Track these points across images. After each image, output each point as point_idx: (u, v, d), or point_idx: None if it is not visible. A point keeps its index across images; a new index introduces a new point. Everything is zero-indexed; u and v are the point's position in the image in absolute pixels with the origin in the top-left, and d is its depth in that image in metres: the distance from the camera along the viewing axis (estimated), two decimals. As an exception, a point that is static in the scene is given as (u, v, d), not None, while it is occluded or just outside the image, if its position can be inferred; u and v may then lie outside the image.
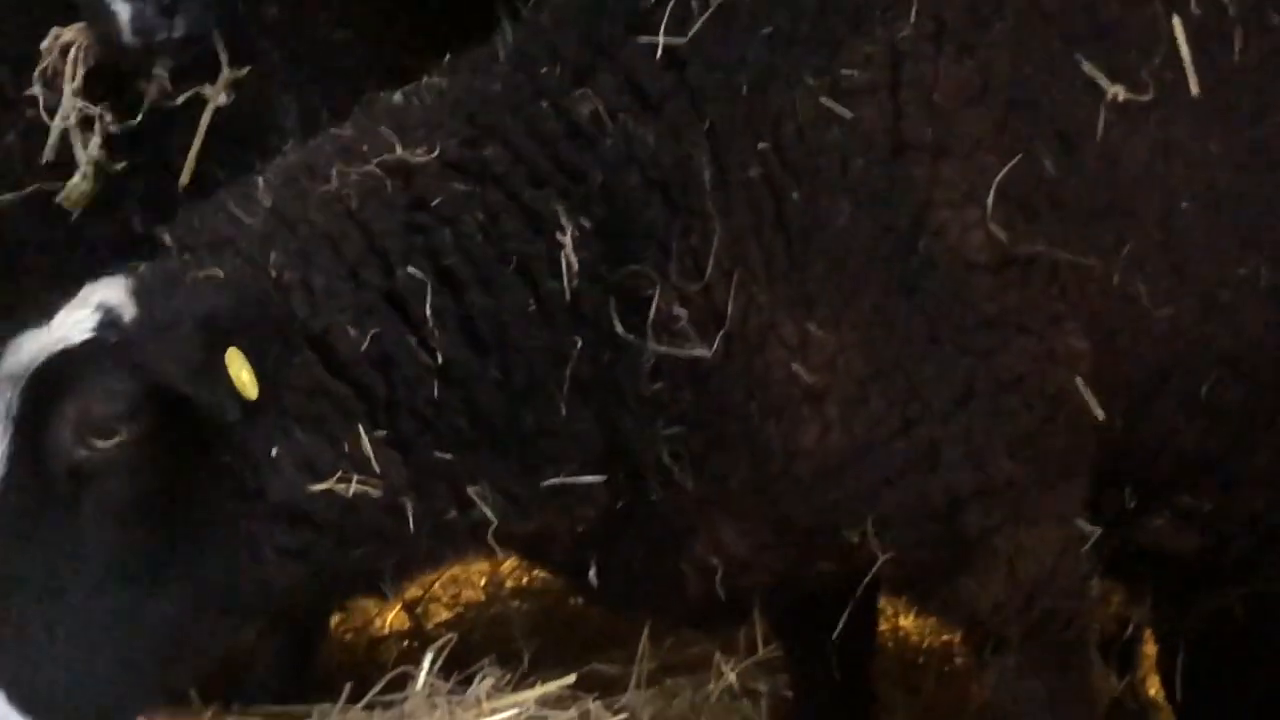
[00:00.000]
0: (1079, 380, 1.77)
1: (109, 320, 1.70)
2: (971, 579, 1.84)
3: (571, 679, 1.99)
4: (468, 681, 2.00)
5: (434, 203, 1.77)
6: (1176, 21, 1.79)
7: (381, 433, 1.73)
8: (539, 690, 1.93)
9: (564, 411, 1.76)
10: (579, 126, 1.80)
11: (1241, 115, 1.86)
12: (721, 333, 1.74)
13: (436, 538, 1.83)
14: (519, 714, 1.86)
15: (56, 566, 1.67)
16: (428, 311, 1.73)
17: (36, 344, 1.70)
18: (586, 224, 1.75)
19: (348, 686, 2.12)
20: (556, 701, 1.93)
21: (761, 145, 1.77)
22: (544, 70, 1.84)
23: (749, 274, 1.75)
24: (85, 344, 1.69)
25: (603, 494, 1.82)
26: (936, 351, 1.76)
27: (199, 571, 1.71)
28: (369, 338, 1.73)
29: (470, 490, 1.77)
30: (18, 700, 1.64)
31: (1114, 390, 1.80)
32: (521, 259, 1.76)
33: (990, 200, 1.73)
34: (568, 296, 1.74)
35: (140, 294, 1.72)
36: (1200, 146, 1.83)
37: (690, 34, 1.78)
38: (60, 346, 1.69)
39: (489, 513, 1.78)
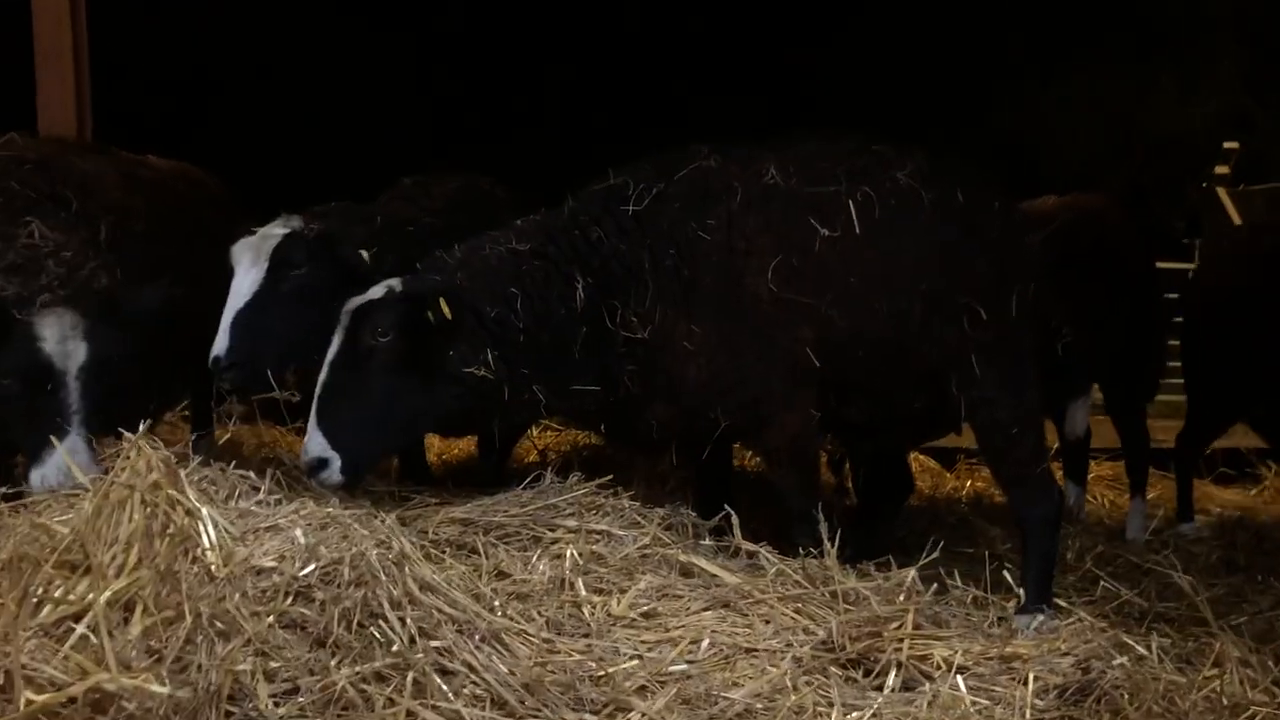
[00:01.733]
0: (808, 349, 3.63)
1: (390, 289, 3.53)
2: (765, 433, 3.77)
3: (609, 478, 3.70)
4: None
5: (524, 266, 3.66)
6: (850, 202, 3.66)
7: (496, 353, 3.55)
8: (594, 483, 3.66)
9: (578, 357, 3.63)
10: (590, 241, 3.68)
11: (879, 239, 3.68)
12: (651, 327, 3.61)
13: (519, 406, 3.69)
14: (585, 492, 3.57)
15: (361, 385, 3.46)
16: (519, 308, 3.57)
17: (360, 298, 3.53)
18: (590, 280, 3.64)
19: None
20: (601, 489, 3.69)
21: (671, 251, 3.64)
22: (579, 218, 3.76)
23: (665, 303, 3.61)
24: (378, 299, 3.52)
25: (597, 395, 3.69)
26: (746, 336, 3.63)
27: (423, 395, 3.55)
28: (494, 314, 3.57)
29: (535, 386, 3.61)
30: (332, 440, 3.40)
31: (822, 354, 3.65)
32: (561, 292, 3.63)
33: (769, 273, 3.59)
34: (579, 309, 3.62)
35: (404, 281, 3.58)
36: (861, 253, 3.66)
37: (644, 205, 3.70)
38: (368, 299, 3.51)
39: (542, 397, 3.66)
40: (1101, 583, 4.23)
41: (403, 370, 3.47)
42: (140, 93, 8.93)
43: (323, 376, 3.44)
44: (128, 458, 2.57)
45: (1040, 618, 3.60)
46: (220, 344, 3.62)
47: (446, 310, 3.42)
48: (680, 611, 3.08)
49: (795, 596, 3.21)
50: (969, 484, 6.12)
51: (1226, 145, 9.68)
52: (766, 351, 3.63)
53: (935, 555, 3.52)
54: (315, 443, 3.40)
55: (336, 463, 3.39)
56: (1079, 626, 3.26)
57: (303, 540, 2.79)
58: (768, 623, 3.09)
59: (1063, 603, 3.76)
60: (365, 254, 3.67)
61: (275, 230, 3.71)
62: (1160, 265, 6.18)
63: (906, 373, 3.81)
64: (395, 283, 3.51)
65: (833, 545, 3.44)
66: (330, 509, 3.00)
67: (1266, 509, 6.04)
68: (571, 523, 3.40)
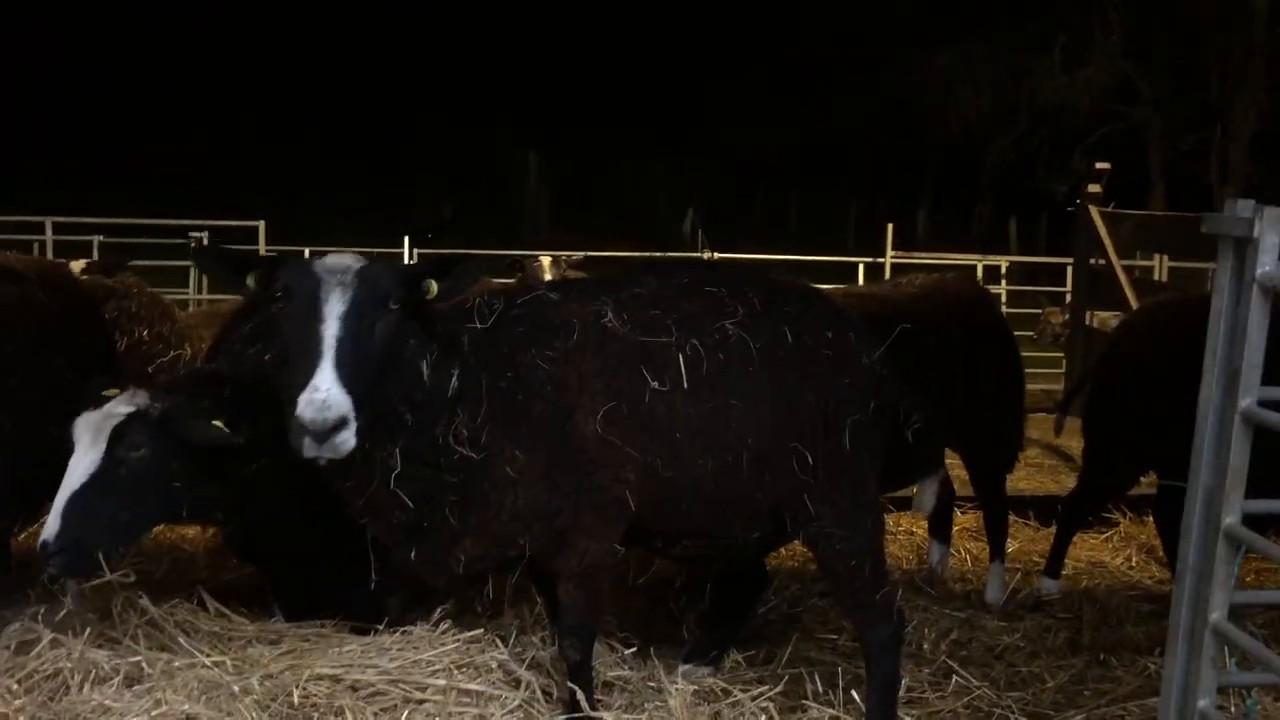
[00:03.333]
0: (627, 491, 3.57)
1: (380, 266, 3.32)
2: (562, 557, 3.62)
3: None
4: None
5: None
6: (680, 355, 3.64)
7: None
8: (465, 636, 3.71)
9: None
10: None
11: (706, 395, 3.67)
12: (478, 447, 3.42)
13: None
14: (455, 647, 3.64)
15: (363, 329, 3.15)
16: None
17: (347, 262, 3.25)
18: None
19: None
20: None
21: (509, 374, 3.50)
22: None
23: (494, 425, 3.44)
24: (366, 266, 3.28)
25: (410, 514, 3.46)
26: (569, 469, 3.51)
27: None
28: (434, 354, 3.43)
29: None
30: (353, 400, 3.06)
31: (644, 501, 3.62)
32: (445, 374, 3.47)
33: (599, 416, 3.51)
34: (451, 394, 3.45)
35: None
36: (689, 408, 3.64)
37: (489, 324, 3.57)
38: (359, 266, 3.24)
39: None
40: (955, 676, 4.48)
41: (399, 338, 3.33)
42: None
43: (332, 332, 3.13)
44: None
45: None
46: (50, 529, 3.47)
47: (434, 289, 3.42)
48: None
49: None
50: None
51: (1099, 165, 9.96)
52: (583, 485, 3.56)
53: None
54: (340, 402, 3.08)
55: (354, 424, 3.10)
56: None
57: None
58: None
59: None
60: (219, 424, 3.58)
61: (118, 409, 3.60)
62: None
63: (737, 516, 3.87)
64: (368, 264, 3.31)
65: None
66: (186, 706, 2.99)
67: (1115, 555, 6.40)
68: (441, 682, 3.45)
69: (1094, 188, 9.68)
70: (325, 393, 2.99)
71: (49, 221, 12.57)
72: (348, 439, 3.03)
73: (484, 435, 3.41)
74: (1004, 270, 13.95)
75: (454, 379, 3.40)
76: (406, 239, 14.79)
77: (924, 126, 27.87)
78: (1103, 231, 9.24)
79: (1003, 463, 5.75)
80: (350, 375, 3.05)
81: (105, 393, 3.71)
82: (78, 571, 3.62)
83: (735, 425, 3.70)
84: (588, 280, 3.96)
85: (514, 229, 28.00)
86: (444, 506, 3.42)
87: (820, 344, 3.92)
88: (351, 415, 3.02)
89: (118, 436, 3.55)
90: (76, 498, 3.50)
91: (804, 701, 4.10)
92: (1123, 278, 8.81)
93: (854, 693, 4.00)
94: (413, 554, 3.47)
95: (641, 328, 3.65)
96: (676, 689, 3.93)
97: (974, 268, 13.23)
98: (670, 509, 3.70)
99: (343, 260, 3.25)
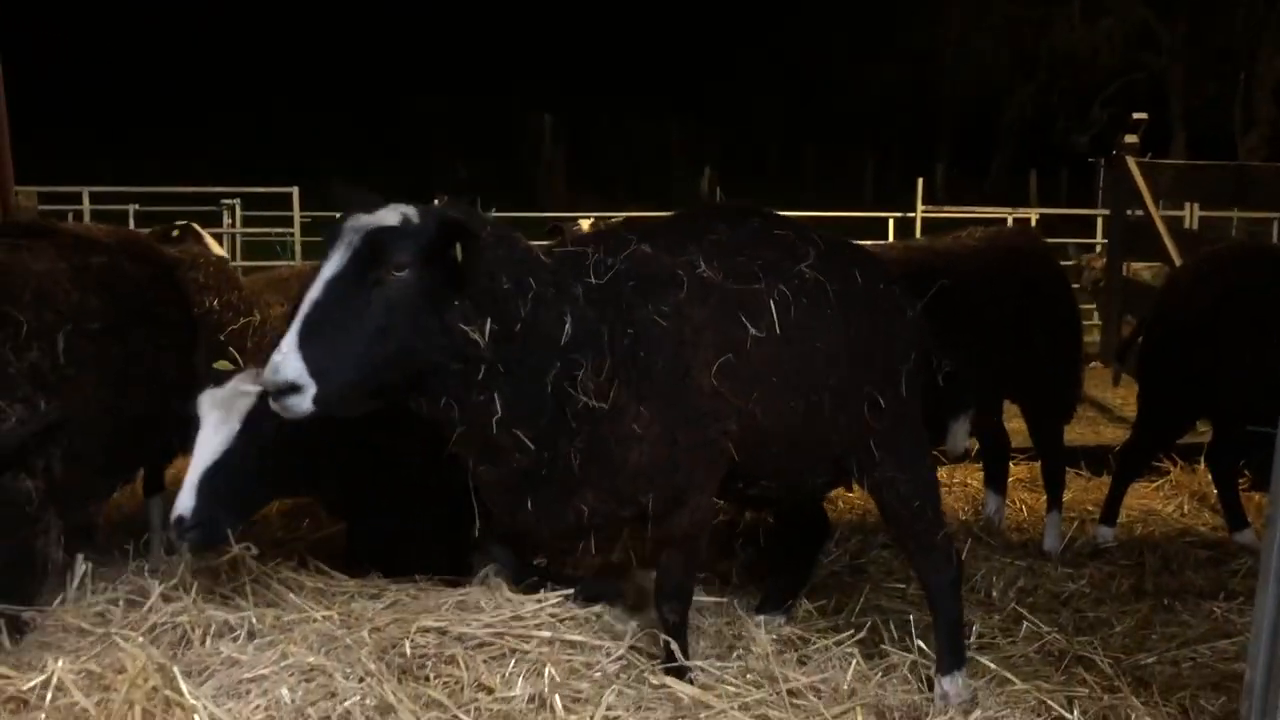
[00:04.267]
0: (730, 442, 3.60)
1: (405, 217, 3.15)
2: (675, 516, 3.62)
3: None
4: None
5: (542, 271, 3.40)
6: (770, 300, 3.66)
7: (495, 327, 3.22)
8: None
9: (548, 391, 3.35)
10: (575, 293, 3.43)
11: (795, 339, 3.68)
12: (606, 401, 3.38)
13: (478, 404, 3.28)
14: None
15: (350, 312, 3.04)
16: (529, 297, 3.28)
17: (368, 220, 3.13)
18: (573, 322, 3.39)
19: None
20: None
21: (630, 330, 3.45)
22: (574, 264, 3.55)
23: (620, 380, 3.40)
24: (395, 226, 3.13)
25: (532, 454, 3.38)
26: (689, 425, 3.51)
27: (415, 335, 3.11)
28: (506, 286, 3.25)
29: (497, 395, 3.25)
30: (309, 366, 2.96)
31: (742, 447, 3.64)
32: (559, 312, 3.38)
33: (712, 370, 3.52)
34: (562, 342, 3.36)
35: (420, 211, 3.21)
36: (783, 353, 3.66)
37: (604, 279, 3.50)
38: (381, 223, 3.12)
39: (498, 410, 3.28)
40: (1024, 622, 4.58)
41: (408, 307, 3.12)
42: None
43: (314, 296, 3.07)
44: (124, 668, 2.64)
45: (958, 678, 3.92)
46: (184, 504, 3.56)
47: (458, 252, 3.13)
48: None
49: (756, 701, 3.45)
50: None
51: (1136, 116, 9.93)
52: (699, 440, 3.56)
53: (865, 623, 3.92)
54: (291, 366, 3.01)
55: (311, 390, 3.03)
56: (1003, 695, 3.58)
57: (289, 700, 2.90)
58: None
59: (989, 662, 4.09)
60: None
61: (246, 387, 3.69)
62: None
63: (812, 460, 3.97)
64: (410, 210, 3.19)
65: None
66: (311, 658, 3.10)
67: (1167, 503, 6.48)
68: (546, 633, 3.56)
69: (1130, 138, 9.66)
70: (281, 356, 3.00)
71: (86, 192, 12.64)
72: (299, 403, 3.02)
73: (611, 390, 3.38)
74: (1034, 223, 13.92)
75: (566, 325, 3.33)
76: (435, 203, 14.83)
77: (941, 80, 27.63)
78: (1140, 182, 9.24)
79: (1061, 414, 5.83)
80: (321, 341, 3.02)
81: (219, 367, 3.83)
82: (210, 544, 3.72)
83: (820, 368, 3.76)
84: (658, 228, 3.87)
85: (531, 191, 27.94)
86: (567, 454, 3.39)
87: (876, 292, 4.02)
88: (304, 381, 3.00)
89: (254, 415, 3.63)
90: (210, 474, 3.59)
91: (882, 647, 4.21)
92: (1163, 228, 8.82)
93: (921, 643, 4.10)
94: (529, 502, 3.45)
95: (733, 275, 3.67)
96: (760, 637, 4.04)
97: (1004, 220, 13.22)
98: (760, 453, 3.75)
99: (371, 218, 3.15)
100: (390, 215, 3.16)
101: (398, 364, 3.15)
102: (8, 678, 2.90)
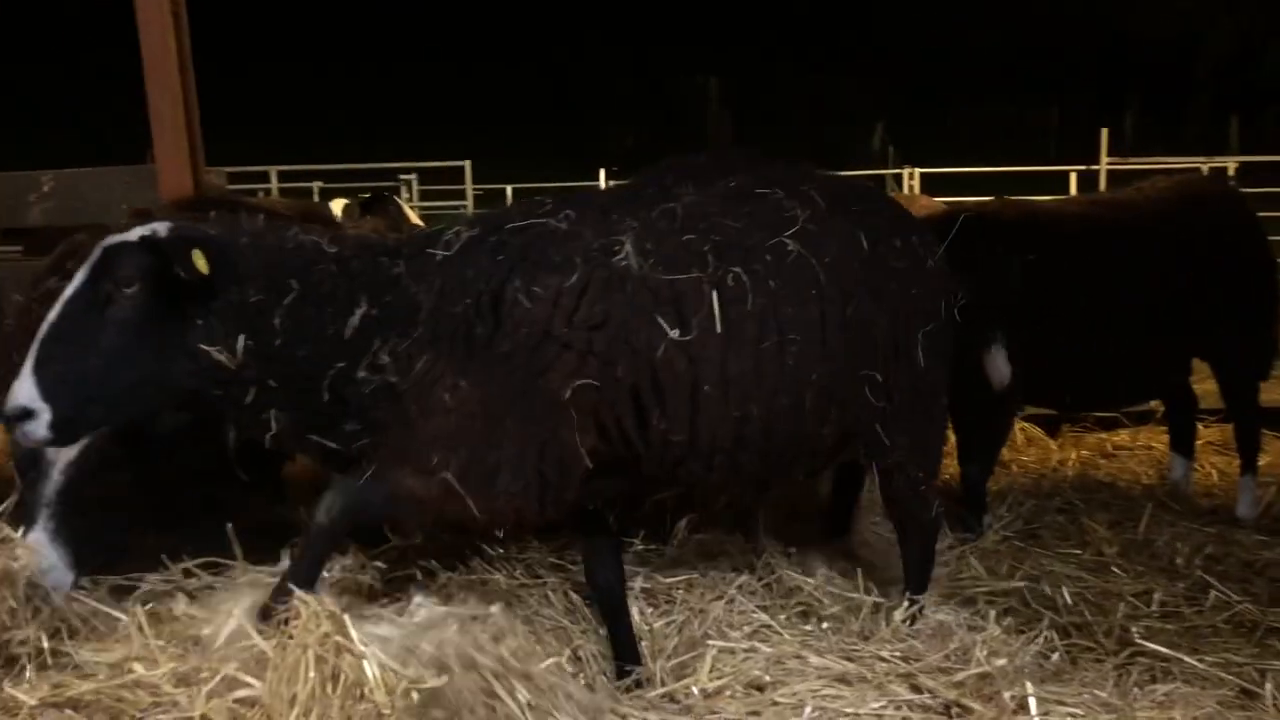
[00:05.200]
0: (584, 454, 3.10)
1: (152, 232, 2.93)
2: (485, 499, 3.04)
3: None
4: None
5: (319, 265, 3.05)
6: (714, 293, 3.12)
7: (250, 343, 2.92)
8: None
9: (325, 398, 3.00)
10: (389, 276, 3.08)
11: (751, 335, 3.16)
12: (404, 372, 2.98)
13: (255, 422, 3.04)
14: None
15: (83, 333, 2.86)
16: (289, 303, 2.96)
17: (113, 237, 2.94)
18: (371, 313, 3.01)
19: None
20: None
21: (467, 300, 3.02)
22: (394, 251, 3.16)
23: (435, 349, 2.98)
24: (130, 241, 2.92)
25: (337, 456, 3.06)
26: (524, 419, 3.01)
27: (155, 362, 2.90)
28: (257, 298, 2.96)
29: (273, 409, 2.98)
30: (41, 390, 2.80)
31: (650, 460, 3.21)
32: (338, 310, 3.01)
33: (585, 371, 3.03)
34: (344, 339, 2.98)
35: (174, 226, 2.97)
36: (727, 358, 3.14)
37: (452, 250, 3.11)
38: (122, 239, 2.93)
39: (274, 426, 3.00)
40: (1212, 591, 4.34)
41: (140, 327, 2.90)
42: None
43: (51, 317, 2.91)
44: (298, 616, 2.80)
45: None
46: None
47: (202, 264, 2.87)
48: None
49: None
50: (1074, 456, 6.17)
51: None
52: (537, 436, 3.05)
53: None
54: (24, 390, 2.84)
55: (45, 416, 2.84)
56: (1191, 693, 3.38)
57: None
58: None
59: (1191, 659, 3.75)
60: None
61: None
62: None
63: (794, 459, 3.44)
64: (160, 226, 2.99)
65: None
66: (494, 607, 3.11)
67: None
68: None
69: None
70: (17, 381, 2.86)
71: (274, 171, 13.35)
72: (35, 429, 2.86)
73: (416, 361, 3.00)
74: (1232, 173, 13.04)
75: (354, 317, 2.99)
76: (602, 172, 15.04)
77: (1130, 21, 26.08)
78: None
79: (1256, 372, 5.46)
80: (55, 365, 2.86)
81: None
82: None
83: (796, 363, 3.22)
84: (613, 194, 3.51)
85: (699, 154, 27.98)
86: (378, 437, 3.03)
87: (890, 251, 3.48)
88: (37, 406, 2.83)
89: None
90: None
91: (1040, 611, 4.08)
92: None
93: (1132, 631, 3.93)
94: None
95: (667, 262, 3.13)
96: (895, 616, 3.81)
97: (1197, 171, 12.43)
98: (689, 464, 3.23)
99: (120, 236, 2.99)
100: (137, 231, 2.97)
101: (139, 388, 2.93)
102: (194, 618, 3.12)
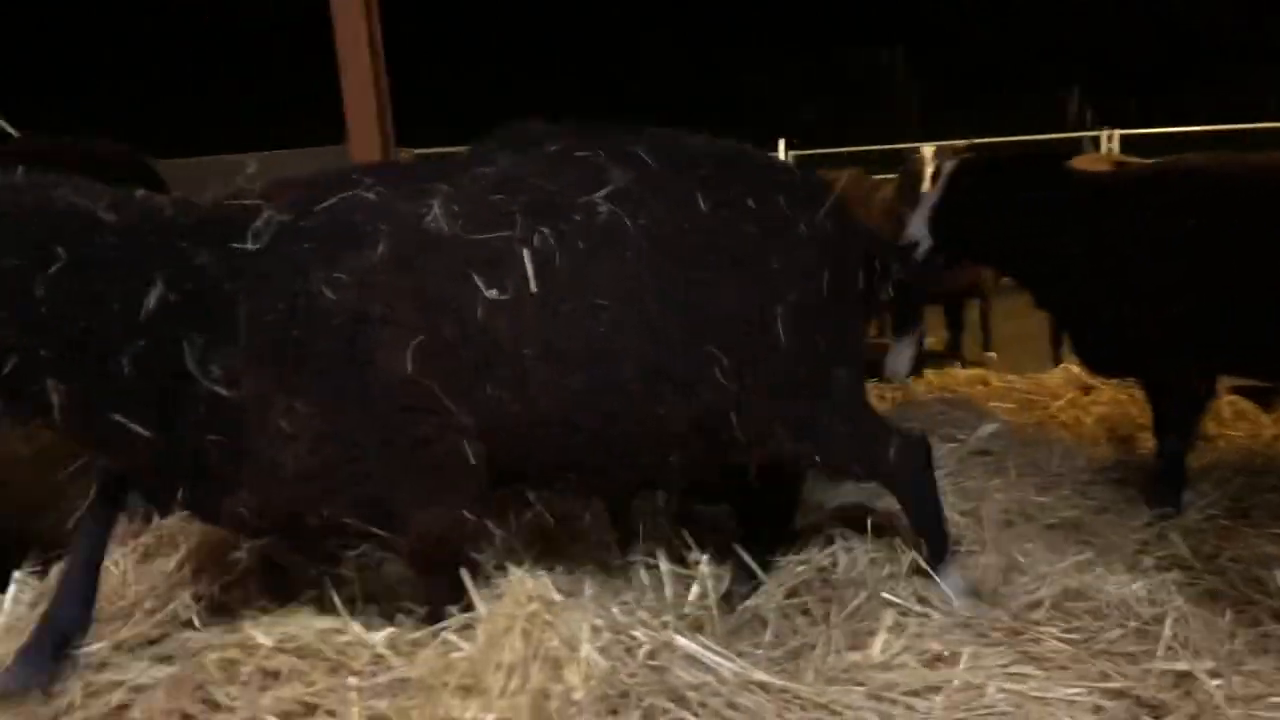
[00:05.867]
0: (465, 441, 2.92)
1: None
2: (400, 534, 2.98)
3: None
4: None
5: (95, 235, 2.73)
6: (525, 252, 2.91)
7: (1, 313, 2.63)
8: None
9: (127, 374, 2.71)
10: (193, 264, 2.79)
11: (564, 299, 2.93)
12: (239, 389, 2.76)
13: (28, 396, 2.73)
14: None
15: None
16: (53, 273, 2.63)
17: None
18: (173, 297, 2.75)
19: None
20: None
21: (280, 305, 2.77)
22: (198, 233, 2.86)
23: (260, 367, 2.78)
24: None
25: (147, 443, 2.79)
26: (372, 423, 2.81)
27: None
28: (12, 263, 2.63)
29: (50, 380, 2.69)
30: None
31: (496, 442, 2.97)
32: (129, 288, 2.73)
33: (410, 352, 2.81)
34: (143, 319, 2.71)
35: None
36: (540, 319, 2.91)
37: (263, 243, 2.84)
38: None
39: (57, 400, 2.71)
40: None
41: None
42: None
43: None
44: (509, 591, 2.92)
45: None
46: None
47: None
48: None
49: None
50: (1292, 431, 5.77)
51: None
52: (401, 441, 2.85)
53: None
54: None
55: None
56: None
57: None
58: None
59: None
60: None
61: None
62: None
63: (636, 445, 3.12)
64: None
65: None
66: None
67: None
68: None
69: None
70: None
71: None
72: None
73: (245, 378, 2.77)
74: None
75: (150, 299, 2.71)
76: (781, 142, 14.94)
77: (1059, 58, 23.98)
78: None
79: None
80: None
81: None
82: None
83: (611, 333, 2.97)
84: (424, 165, 3.33)
85: (887, 123, 27.21)
86: (203, 444, 2.81)
87: (740, 215, 3.15)
88: None
89: None
90: None
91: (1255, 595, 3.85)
92: None
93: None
94: (181, 494, 2.92)
95: (476, 222, 2.93)
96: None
97: None
98: (539, 446, 3.02)
99: None
100: None
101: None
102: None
